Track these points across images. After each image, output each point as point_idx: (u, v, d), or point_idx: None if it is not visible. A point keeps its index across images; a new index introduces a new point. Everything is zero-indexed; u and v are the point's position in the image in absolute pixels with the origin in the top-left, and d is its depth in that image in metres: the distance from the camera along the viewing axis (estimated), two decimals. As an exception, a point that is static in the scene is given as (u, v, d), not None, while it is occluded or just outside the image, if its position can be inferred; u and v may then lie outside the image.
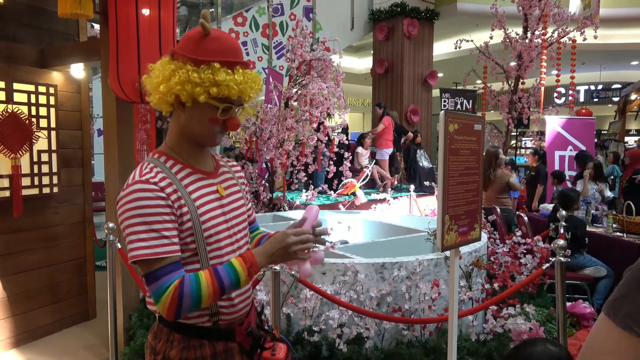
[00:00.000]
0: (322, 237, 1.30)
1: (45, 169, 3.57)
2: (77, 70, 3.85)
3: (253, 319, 1.41)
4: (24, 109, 3.39)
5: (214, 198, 1.28)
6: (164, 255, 1.14)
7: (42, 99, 3.54)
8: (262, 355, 1.35)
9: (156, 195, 1.16)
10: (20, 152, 3.33)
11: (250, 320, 1.38)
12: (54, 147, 3.63)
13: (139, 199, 1.14)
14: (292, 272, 2.49)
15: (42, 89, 3.54)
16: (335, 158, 5.53)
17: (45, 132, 3.56)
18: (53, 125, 3.62)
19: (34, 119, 3.45)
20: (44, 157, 3.57)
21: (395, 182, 8.04)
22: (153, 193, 1.15)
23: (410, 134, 8.53)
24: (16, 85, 3.36)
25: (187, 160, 1.27)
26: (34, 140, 3.44)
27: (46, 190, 3.59)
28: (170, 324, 1.27)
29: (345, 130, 6.08)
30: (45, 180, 3.58)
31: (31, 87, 3.47)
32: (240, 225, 1.35)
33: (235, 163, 1.49)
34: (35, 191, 3.51)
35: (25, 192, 3.41)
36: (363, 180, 6.44)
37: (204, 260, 1.24)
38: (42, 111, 3.54)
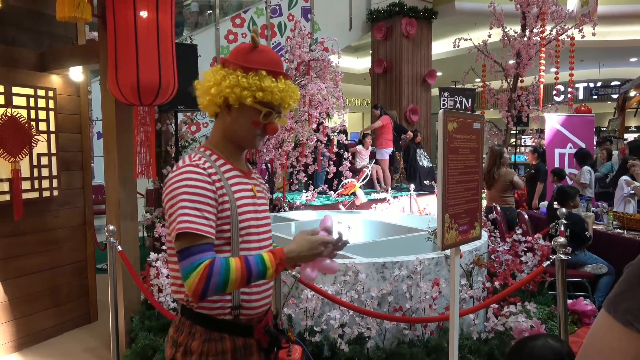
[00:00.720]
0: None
1: (45, 172, 3.57)
2: (76, 73, 3.85)
3: (270, 319, 1.46)
4: (24, 112, 3.39)
5: (249, 195, 1.38)
6: (204, 233, 1.22)
7: (42, 103, 3.54)
8: (278, 355, 1.42)
9: (204, 179, 1.26)
10: (20, 156, 3.33)
11: (267, 319, 1.43)
12: (53, 150, 3.62)
13: (189, 179, 1.25)
14: (293, 273, 2.49)
15: (41, 92, 3.53)
16: (335, 158, 5.53)
17: (45, 135, 3.56)
18: (52, 128, 3.61)
19: (33, 123, 3.45)
20: (44, 160, 3.56)
21: (390, 190, 7.98)
22: (202, 176, 1.27)
23: (410, 133, 8.53)
24: (15, 89, 3.36)
25: (228, 159, 1.38)
26: (33, 144, 3.43)
27: (46, 193, 3.59)
28: (192, 316, 1.32)
29: (344, 130, 6.08)
30: (45, 183, 3.58)
31: (30, 91, 3.46)
32: (265, 227, 1.43)
33: (260, 176, 1.58)
34: (35, 195, 3.51)
35: (25, 195, 3.41)
36: (363, 180, 6.45)
37: (236, 250, 1.31)
38: (42, 114, 3.54)
